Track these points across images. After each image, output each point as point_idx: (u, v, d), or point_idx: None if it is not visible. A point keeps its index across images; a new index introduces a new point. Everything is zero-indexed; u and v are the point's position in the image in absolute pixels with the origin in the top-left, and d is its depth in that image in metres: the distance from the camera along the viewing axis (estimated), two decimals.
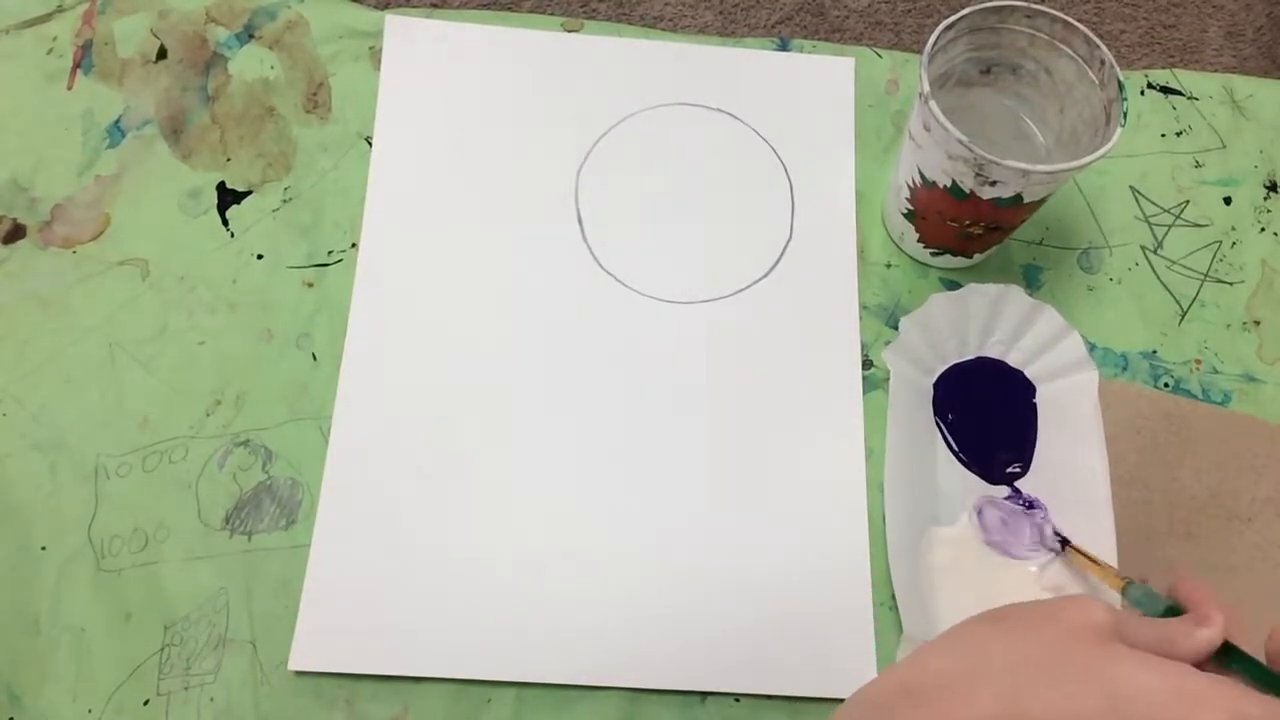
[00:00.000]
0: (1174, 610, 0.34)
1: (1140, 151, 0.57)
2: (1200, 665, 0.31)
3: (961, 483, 0.49)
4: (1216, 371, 0.52)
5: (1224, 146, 0.57)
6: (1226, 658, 0.31)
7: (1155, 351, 0.52)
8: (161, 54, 0.55)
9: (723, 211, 0.54)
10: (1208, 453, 0.50)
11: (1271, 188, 0.57)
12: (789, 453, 0.49)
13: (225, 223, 0.52)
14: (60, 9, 0.55)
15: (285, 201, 0.53)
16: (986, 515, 0.48)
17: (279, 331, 0.50)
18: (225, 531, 0.46)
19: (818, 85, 0.57)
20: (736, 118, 0.56)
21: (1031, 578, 0.47)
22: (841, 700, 0.45)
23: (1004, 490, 0.48)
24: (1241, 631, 0.32)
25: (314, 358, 0.49)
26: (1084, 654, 0.28)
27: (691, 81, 0.56)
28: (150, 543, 0.45)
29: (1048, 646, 0.29)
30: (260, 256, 0.51)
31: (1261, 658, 0.31)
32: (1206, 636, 0.30)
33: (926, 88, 0.43)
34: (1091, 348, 0.52)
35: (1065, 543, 0.46)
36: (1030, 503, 0.48)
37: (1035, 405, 0.50)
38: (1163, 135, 0.58)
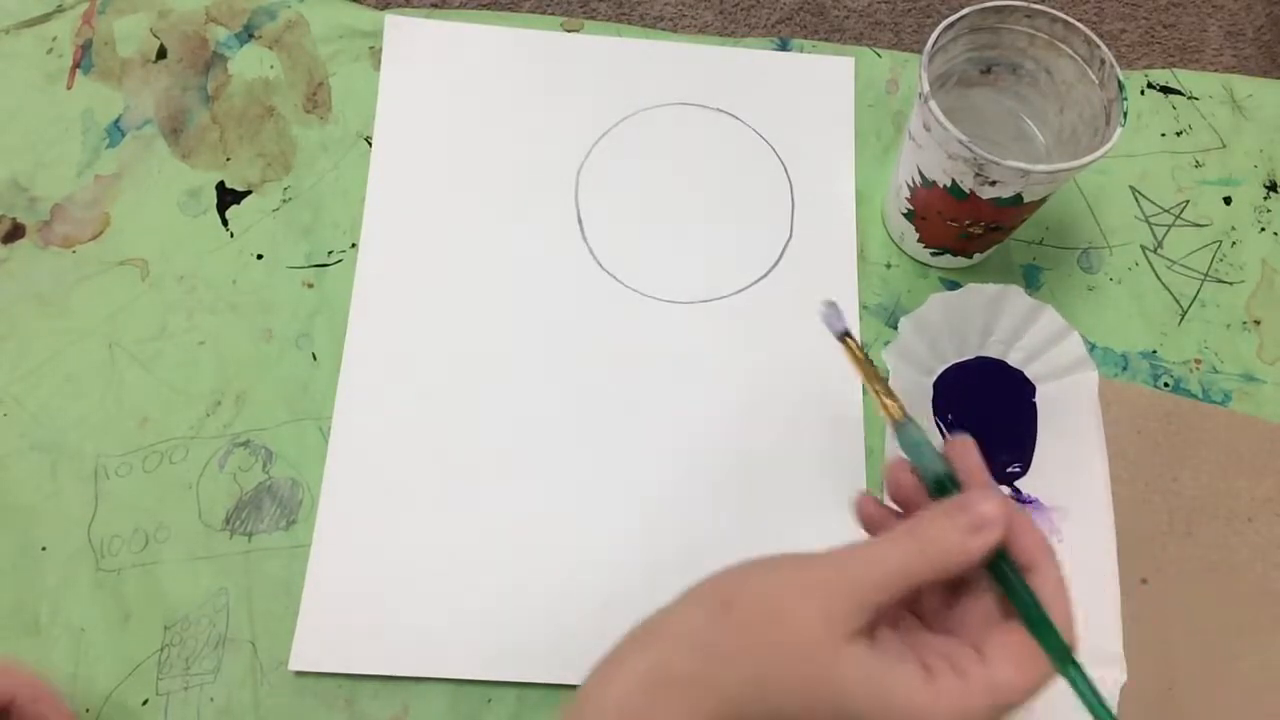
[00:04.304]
0: (943, 482, 0.32)
1: (1140, 151, 0.57)
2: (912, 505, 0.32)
3: None
4: (1216, 371, 0.52)
5: (1224, 146, 0.57)
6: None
7: (1155, 351, 0.52)
8: (161, 54, 0.55)
9: (723, 211, 0.54)
10: (1208, 453, 0.50)
11: (1271, 188, 0.57)
12: (789, 453, 0.49)
13: (225, 223, 0.52)
14: (60, 9, 0.55)
15: (285, 201, 0.53)
16: None
17: (279, 331, 0.50)
18: (225, 532, 0.46)
19: (818, 85, 0.57)
20: (736, 118, 0.56)
21: None
22: None
23: (1004, 490, 0.48)
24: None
25: (314, 358, 0.49)
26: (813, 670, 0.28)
27: (691, 81, 0.56)
28: (150, 543, 0.45)
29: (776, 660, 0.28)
30: (260, 256, 0.51)
31: None
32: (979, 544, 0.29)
33: (926, 88, 0.43)
34: (1091, 348, 0.52)
35: (846, 335, 0.37)
36: (1028, 501, 0.48)
37: (1035, 405, 0.50)
38: (1163, 135, 0.58)
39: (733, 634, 0.29)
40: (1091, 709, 0.29)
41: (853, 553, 0.29)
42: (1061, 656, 0.29)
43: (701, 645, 0.29)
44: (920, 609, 0.32)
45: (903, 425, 0.34)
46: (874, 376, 0.35)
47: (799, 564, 0.29)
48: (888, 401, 0.34)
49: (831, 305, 0.37)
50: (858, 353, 0.36)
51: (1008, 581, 0.30)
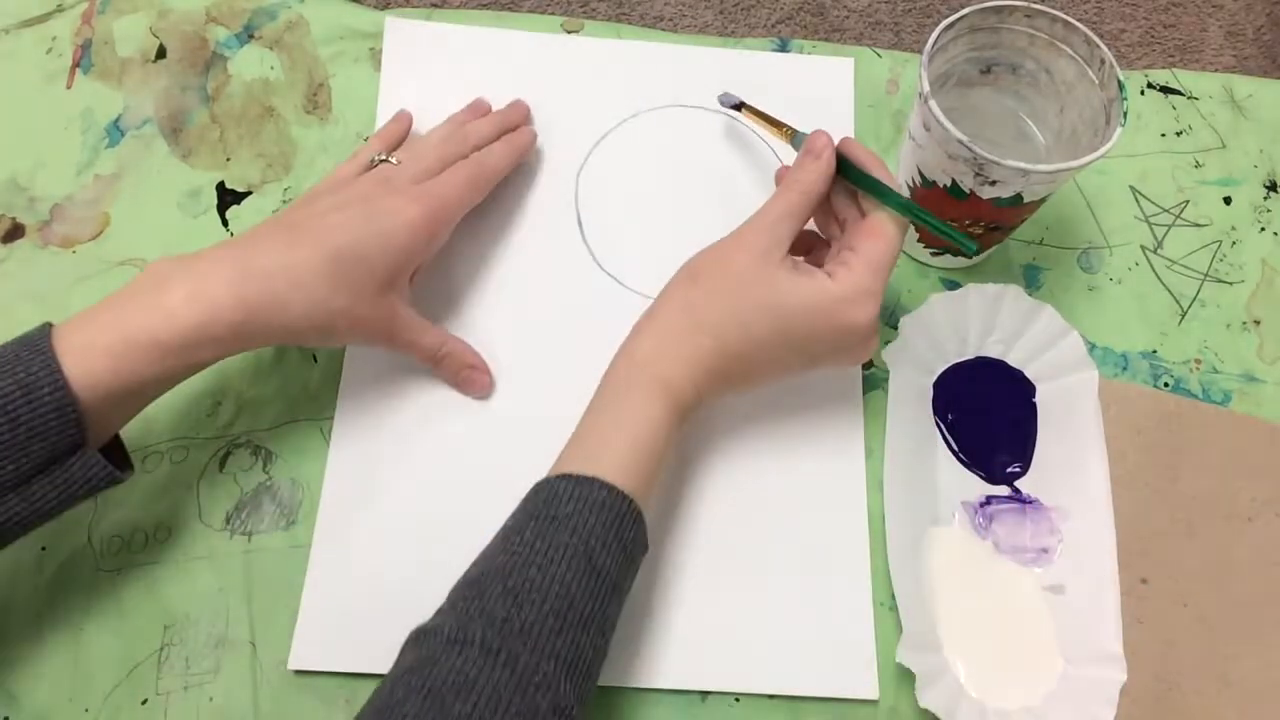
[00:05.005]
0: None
1: (1140, 151, 0.57)
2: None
3: (961, 483, 0.49)
4: (1216, 371, 0.52)
5: (1224, 146, 0.57)
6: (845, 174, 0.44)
7: (1155, 351, 0.52)
8: (161, 54, 0.55)
9: (723, 212, 0.54)
10: (1208, 453, 0.50)
11: (1271, 187, 0.57)
12: (789, 452, 0.49)
13: (225, 223, 0.52)
14: (60, 9, 0.55)
15: (285, 202, 0.53)
16: (980, 514, 0.48)
17: None
18: (225, 532, 0.46)
19: (818, 85, 0.57)
20: (736, 118, 0.56)
21: (1032, 576, 0.47)
22: (841, 700, 0.46)
23: (1004, 490, 0.48)
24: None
25: (314, 358, 0.49)
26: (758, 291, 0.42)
27: (691, 82, 0.56)
28: (150, 543, 0.45)
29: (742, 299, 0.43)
30: None
31: None
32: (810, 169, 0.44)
33: (926, 88, 0.43)
34: (1091, 348, 0.52)
35: (741, 105, 0.52)
36: (1028, 501, 0.48)
37: (1035, 405, 0.50)
38: (1163, 135, 0.58)
39: (702, 291, 0.43)
40: (932, 228, 0.43)
41: (758, 212, 0.44)
42: (901, 203, 0.43)
43: (686, 308, 0.43)
44: (813, 258, 0.46)
45: (796, 136, 0.48)
46: (773, 121, 0.50)
47: (732, 234, 0.44)
48: (785, 130, 0.49)
49: (724, 94, 0.53)
50: (757, 111, 0.51)
51: (853, 172, 0.44)
